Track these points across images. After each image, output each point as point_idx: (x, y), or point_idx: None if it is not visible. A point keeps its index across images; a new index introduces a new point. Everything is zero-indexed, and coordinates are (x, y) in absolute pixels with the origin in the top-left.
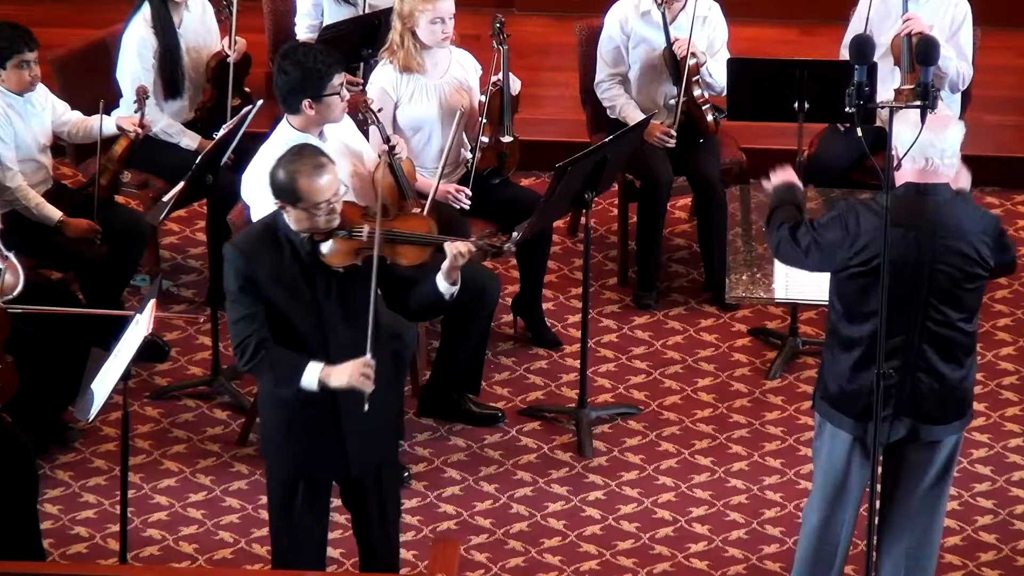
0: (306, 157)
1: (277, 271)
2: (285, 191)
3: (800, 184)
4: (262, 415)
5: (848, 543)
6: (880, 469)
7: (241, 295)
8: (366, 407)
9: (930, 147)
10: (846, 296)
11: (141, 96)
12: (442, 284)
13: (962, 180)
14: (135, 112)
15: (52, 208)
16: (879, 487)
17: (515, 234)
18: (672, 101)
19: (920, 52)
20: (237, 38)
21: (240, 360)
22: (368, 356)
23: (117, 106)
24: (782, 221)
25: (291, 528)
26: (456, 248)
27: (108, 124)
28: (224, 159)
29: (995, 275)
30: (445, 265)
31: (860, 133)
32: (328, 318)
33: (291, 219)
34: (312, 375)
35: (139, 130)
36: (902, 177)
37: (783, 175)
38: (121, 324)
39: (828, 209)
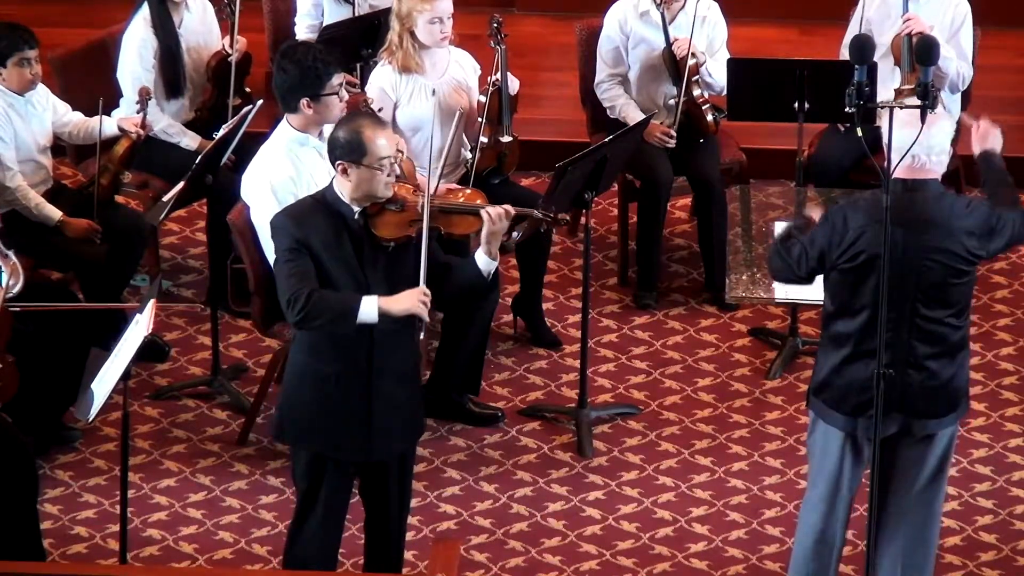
0: (367, 115)
1: (327, 240)
2: (350, 147)
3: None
4: (290, 393)
5: (843, 540)
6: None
7: (292, 254)
8: (422, 335)
9: (917, 144)
10: (835, 291)
11: (144, 97)
12: (481, 259)
13: (991, 141)
14: (137, 113)
15: (52, 208)
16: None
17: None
18: (672, 101)
19: (920, 52)
20: (238, 37)
21: (292, 312)
22: (423, 286)
23: (117, 106)
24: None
25: (315, 511)
26: (493, 211)
27: (109, 124)
28: (224, 159)
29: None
30: (484, 231)
31: (860, 133)
32: (374, 291)
33: (350, 184)
34: (370, 306)
35: (141, 131)
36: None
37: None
38: (121, 324)
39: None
